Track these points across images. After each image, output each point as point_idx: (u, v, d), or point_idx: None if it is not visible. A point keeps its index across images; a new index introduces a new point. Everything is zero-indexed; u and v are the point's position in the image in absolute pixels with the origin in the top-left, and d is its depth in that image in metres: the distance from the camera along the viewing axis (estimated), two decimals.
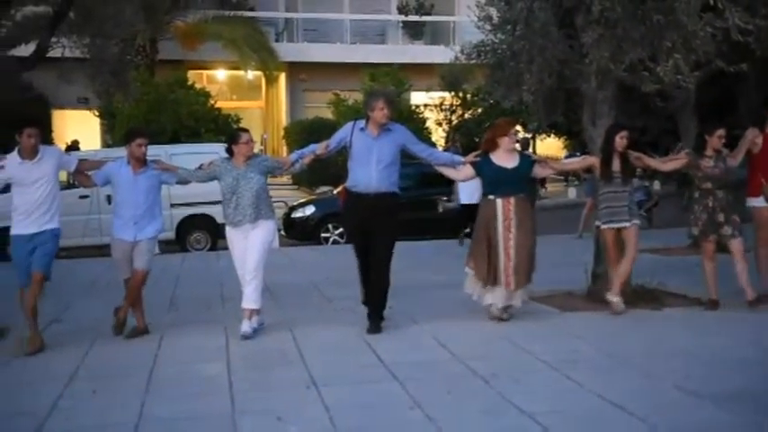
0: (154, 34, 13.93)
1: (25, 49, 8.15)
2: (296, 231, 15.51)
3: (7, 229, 7.05)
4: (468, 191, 11.63)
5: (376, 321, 7.12)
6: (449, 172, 7.61)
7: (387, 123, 7.06)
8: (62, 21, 7.82)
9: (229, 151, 7.20)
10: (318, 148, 7.31)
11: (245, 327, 7.06)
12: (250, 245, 7.09)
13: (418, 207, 14.34)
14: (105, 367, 6.32)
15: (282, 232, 15.45)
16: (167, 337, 7.19)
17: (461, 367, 6.01)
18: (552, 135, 24.23)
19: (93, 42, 7.91)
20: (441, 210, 14.82)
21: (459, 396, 5.34)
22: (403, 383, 5.62)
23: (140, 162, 7.16)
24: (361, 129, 7.10)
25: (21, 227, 6.84)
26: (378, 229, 7.04)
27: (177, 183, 7.49)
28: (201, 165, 7.47)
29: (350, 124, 7.27)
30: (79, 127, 24.10)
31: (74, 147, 20.78)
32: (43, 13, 8.19)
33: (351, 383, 5.70)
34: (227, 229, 7.24)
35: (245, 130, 7.43)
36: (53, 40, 8.01)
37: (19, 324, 7.20)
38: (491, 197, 7.33)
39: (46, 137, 22.73)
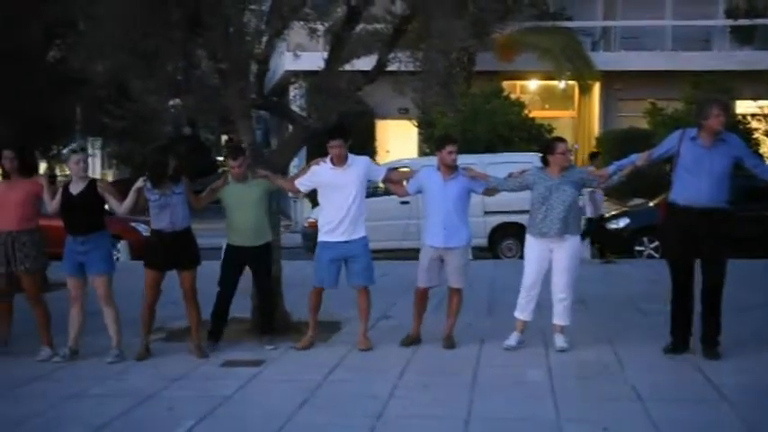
0: (481, 48, 14.42)
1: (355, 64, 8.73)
2: (609, 243, 15.20)
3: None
4: None
5: (711, 347, 6.68)
6: None
7: (721, 133, 6.66)
8: (401, 37, 8.30)
9: (544, 161, 7.14)
10: (639, 159, 6.98)
11: (560, 342, 7.08)
12: (558, 265, 7.01)
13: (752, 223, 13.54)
14: (433, 364, 6.72)
15: (595, 244, 15.23)
16: (488, 340, 7.43)
17: None
18: None
19: (426, 56, 8.31)
20: None
21: None
22: (734, 405, 5.37)
23: (450, 169, 7.23)
24: (692, 138, 6.70)
25: (329, 235, 7.15)
26: (708, 249, 6.64)
27: (484, 192, 7.46)
28: (511, 173, 7.43)
29: (678, 133, 6.88)
30: (399, 136, 25.48)
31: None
32: (382, 29, 8.73)
33: (678, 401, 5.56)
34: (528, 237, 7.18)
35: (562, 140, 7.23)
36: (390, 55, 8.53)
37: (351, 319, 7.85)
38: None
39: (368, 145, 24.44)
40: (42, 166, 11.42)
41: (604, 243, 14.77)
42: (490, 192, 7.48)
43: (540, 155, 7.28)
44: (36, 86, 9.63)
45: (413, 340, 7.38)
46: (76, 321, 7.06)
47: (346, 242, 7.13)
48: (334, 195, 7.14)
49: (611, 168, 7.29)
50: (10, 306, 7.29)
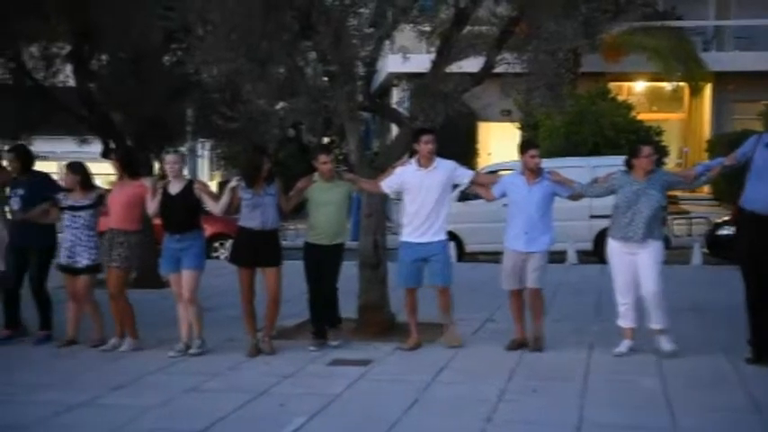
0: (590, 49, 14.10)
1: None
2: (722, 250, 14.68)
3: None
4: None
5: None
6: None
7: None
8: (507, 38, 8.23)
9: (629, 164, 7.00)
10: (727, 159, 6.89)
11: (665, 345, 6.93)
12: (643, 271, 6.86)
13: None
14: (541, 368, 6.63)
15: (706, 250, 14.79)
16: (597, 345, 7.30)
17: None
18: None
19: (535, 58, 8.20)
20: None
21: None
22: None
23: (534, 173, 7.18)
24: (766, 144, 6.51)
25: (410, 236, 7.22)
26: None
27: (569, 197, 7.36)
28: (597, 179, 7.37)
29: (755, 137, 6.76)
30: (501, 138, 25.29)
31: None
32: (488, 31, 8.67)
33: None
34: (610, 242, 7.07)
35: (648, 143, 7.11)
36: (497, 57, 8.46)
37: (458, 321, 7.82)
38: None
39: (470, 148, 24.32)
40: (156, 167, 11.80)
41: (716, 250, 14.33)
42: (575, 197, 7.41)
43: (625, 158, 7.11)
44: (154, 89, 9.98)
45: (518, 344, 7.32)
46: (185, 318, 7.29)
47: (428, 243, 7.19)
48: (417, 197, 7.19)
49: (698, 168, 7.26)
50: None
